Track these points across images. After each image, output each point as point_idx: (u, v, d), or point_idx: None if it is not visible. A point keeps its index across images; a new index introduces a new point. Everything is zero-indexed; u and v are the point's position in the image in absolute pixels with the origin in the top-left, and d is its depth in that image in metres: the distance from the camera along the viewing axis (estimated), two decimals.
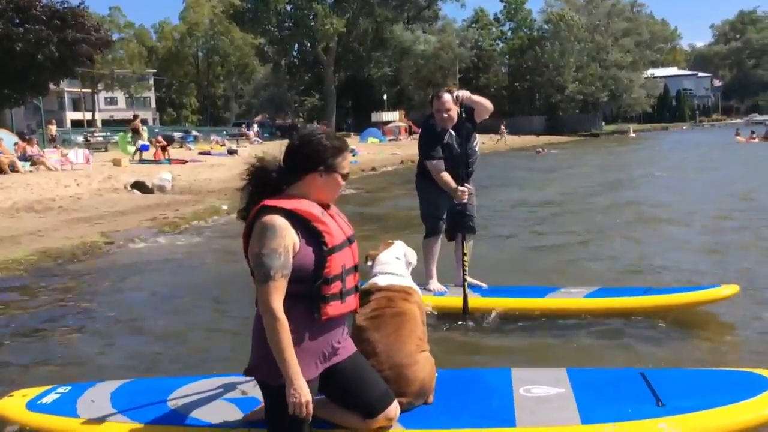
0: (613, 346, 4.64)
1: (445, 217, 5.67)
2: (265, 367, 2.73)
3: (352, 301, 2.86)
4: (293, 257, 2.67)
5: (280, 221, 2.65)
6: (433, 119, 5.49)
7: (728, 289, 5.02)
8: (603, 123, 73.78)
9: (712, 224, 10.03)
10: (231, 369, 3.60)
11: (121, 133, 28.98)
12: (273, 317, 2.61)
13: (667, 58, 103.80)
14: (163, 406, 3.32)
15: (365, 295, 3.34)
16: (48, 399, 3.53)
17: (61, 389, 3.66)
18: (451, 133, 5.42)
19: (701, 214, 10.99)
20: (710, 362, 4.20)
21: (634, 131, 65.35)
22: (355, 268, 2.88)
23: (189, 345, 5.13)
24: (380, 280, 3.44)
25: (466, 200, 5.35)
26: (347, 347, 2.92)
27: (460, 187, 5.30)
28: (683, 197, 13.70)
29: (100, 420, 3.24)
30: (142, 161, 23.23)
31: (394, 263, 3.57)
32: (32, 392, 3.64)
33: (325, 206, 2.88)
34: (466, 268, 5.35)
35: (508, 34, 75.19)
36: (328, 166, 2.80)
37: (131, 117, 28.63)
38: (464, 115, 5.38)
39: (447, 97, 5.34)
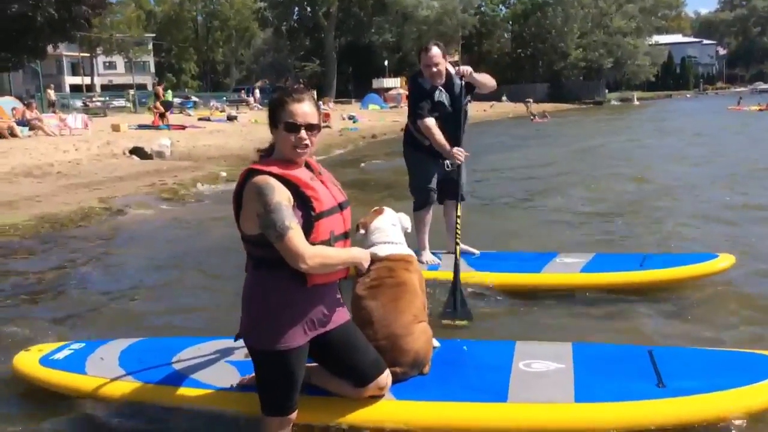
0: (627, 320, 4.49)
1: (435, 186, 5.37)
2: (254, 333, 2.76)
3: (341, 268, 2.83)
4: None
5: (272, 180, 2.63)
6: (421, 77, 5.17)
7: (725, 261, 4.95)
8: (606, 91, 73.23)
9: (700, 189, 10.13)
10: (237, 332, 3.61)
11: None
12: (312, 257, 2.61)
13: (671, 25, 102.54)
14: (167, 367, 3.40)
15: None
16: (61, 355, 3.64)
17: (75, 345, 3.78)
18: (441, 89, 5.12)
19: (688, 180, 11.11)
20: (727, 342, 4.01)
21: (639, 99, 64.97)
22: (346, 234, 2.85)
23: (196, 307, 5.16)
24: (380, 250, 3.37)
25: (461, 162, 5.06)
26: (340, 315, 2.91)
27: (455, 148, 5.01)
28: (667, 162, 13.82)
29: (105, 377, 3.35)
30: (140, 126, 23.11)
31: (392, 231, 3.49)
32: (48, 347, 3.77)
33: (316, 172, 2.84)
34: (458, 253, 4.90)
35: None
36: (275, 119, 2.75)
37: (129, 82, 28.60)
38: (464, 83, 5.11)
39: (435, 50, 5.03)
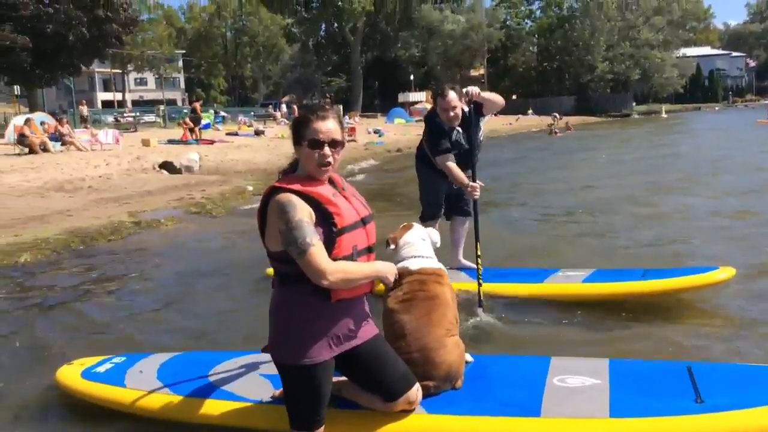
0: (664, 335, 4.39)
1: (443, 202, 5.63)
2: (280, 347, 2.78)
3: (365, 283, 2.83)
4: None
5: (294, 197, 2.66)
6: (438, 116, 5.28)
7: (724, 273, 4.89)
8: (634, 103, 72.55)
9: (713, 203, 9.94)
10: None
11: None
12: (333, 272, 2.62)
13: (700, 37, 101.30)
14: (203, 380, 3.47)
15: (396, 279, 3.27)
16: (102, 368, 3.74)
17: (117, 359, 3.88)
18: (458, 130, 5.27)
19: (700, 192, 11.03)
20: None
21: (666, 112, 64.25)
22: (369, 249, 2.85)
23: (231, 321, 5.20)
24: (411, 264, 3.37)
25: (477, 196, 5.11)
26: (367, 330, 2.91)
27: (471, 183, 5.09)
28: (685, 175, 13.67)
29: (143, 391, 3.42)
30: (169, 141, 23.42)
31: (422, 245, 3.49)
32: (90, 361, 3.87)
33: (340, 187, 2.86)
34: (480, 268, 4.96)
35: (537, 13, 74.17)
36: (298, 136, 2.77)
37: (160, 98, 29.47)
38: (473, 107, 5.15)
39: (452, 95, 5.12)
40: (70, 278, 6.69)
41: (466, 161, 5.20)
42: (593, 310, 4.84)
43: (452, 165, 5.18)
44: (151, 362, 3.78)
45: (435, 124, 5.33)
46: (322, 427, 2.82)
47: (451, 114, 5.15)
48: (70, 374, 3.72)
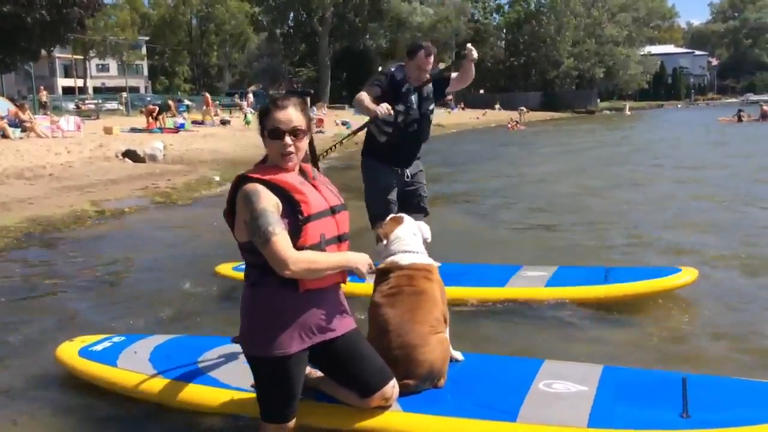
0: (682, 346, 4.21)
1: (395, 199, 5.12)
2: (249, 339, 2.76)
3: (334, 273, 2.77)
4: None
5: (260, 186, 2.63)
6: (399, 72, 4.97)
7: (688, 275, 4.85)
8: (599, 100, 73.56)
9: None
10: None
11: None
12: (296, 262, 2.59)
13: (663, 35, 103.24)
14: (193, 364, 3.50)
15: (385, 274, 3.23)
16: (99, 347, 3.81)
17: (116, 338, 3.95)
18: (411, 87, 4.95)
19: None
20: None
21: (630, 109, 65.28)
22: (339, 238, 2.80)
23: (217, 308, 5.12)
24: (401, 259, 3.28)
25: (385, 114, 4.71)
26: (344, 323, 2.85)
27: (380, 106, 4.71)
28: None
29: (132, 371, 3.47)
30: (132, 130, 23.01)
31: (412, 240, 3.40)
32: (90, 339, 3.94)
33: (310, 176, 2.82)
34: None
35: (505, 7, 74.64)
36: (262, 127, 2.76)
37: (122, 85, 29.26)
38: (443, 77, 5.01)
39: (432, 58, 4.93)
40: (32, 265, 6.51)
41: (413, 127, 4.95)
42: (607, 313, 4.71)
43: (364, 95, 4.84)
44: (147, 344, 3.81)
45: (390, 73, 5.00)
46: (293, 420, 2.77)
47: (423, 75, 4.94)
48: (69, 351, 3.77)
